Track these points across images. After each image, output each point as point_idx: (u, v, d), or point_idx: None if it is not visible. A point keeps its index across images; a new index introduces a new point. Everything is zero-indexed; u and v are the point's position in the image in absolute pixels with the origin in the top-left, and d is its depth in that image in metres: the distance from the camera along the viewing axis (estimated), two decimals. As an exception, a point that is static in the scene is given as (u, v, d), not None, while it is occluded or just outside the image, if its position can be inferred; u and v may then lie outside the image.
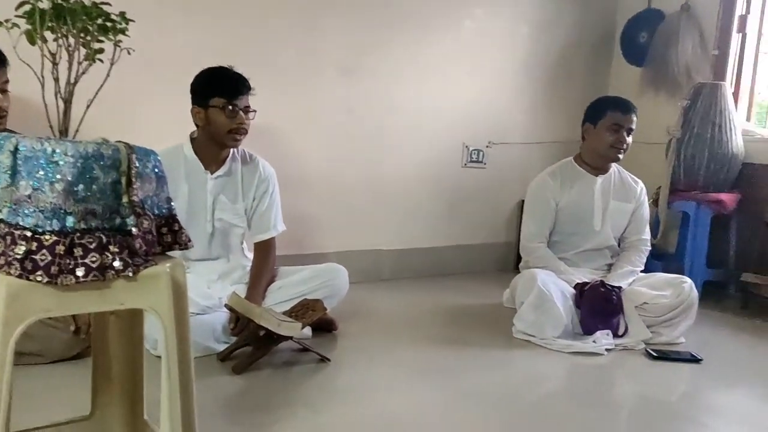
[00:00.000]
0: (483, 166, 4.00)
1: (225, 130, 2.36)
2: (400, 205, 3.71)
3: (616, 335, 2.68)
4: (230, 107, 2.33)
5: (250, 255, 2.59)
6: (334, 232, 3.49)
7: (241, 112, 2.35)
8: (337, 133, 3.44)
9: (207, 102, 2.34)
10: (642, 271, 3.01)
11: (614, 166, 3.05)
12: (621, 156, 2.94)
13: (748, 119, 3.89)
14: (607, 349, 2.60)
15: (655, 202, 3.71)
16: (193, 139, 2.46)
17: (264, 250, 2.53)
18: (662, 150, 3.73)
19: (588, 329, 2.69)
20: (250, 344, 2.24)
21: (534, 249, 2.98)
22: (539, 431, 1.92)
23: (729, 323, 3.20)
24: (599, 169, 3.02)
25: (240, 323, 2.28)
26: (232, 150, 2.47)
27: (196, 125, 2.42)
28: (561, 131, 4.16)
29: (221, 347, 2.28)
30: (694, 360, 2.56)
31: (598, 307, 2.70)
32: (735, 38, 3.80)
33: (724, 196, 3.54)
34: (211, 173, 2.45)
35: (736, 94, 3.78)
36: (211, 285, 2.44)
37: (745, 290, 3.43)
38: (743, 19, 3.78)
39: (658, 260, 3.81)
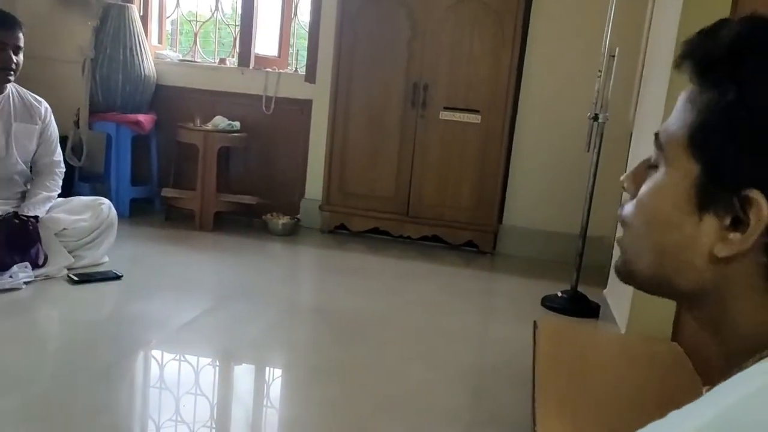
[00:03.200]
0: None
1: None
2: None
3: (36, 266, 2.58)
4: None
5: None
6: None
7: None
8: None
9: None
10: (63, 196, 2.93)
11: (12, 87, 2.78)
12: (12, 77, 2.69)
13: (159, 42, 4.11)
14: (25, 282, 2.49)
15: (76, 124, 3.64)
16: None
17: None
18: (79, 69, 3.64)
19: (4, 265, 2.51)
20: None
21: None
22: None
23: (154, 236, 3.44)
24: None
25: None
26: None
27: None
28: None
29: None
30: (116, 277, 2.68)
31: (12, 240, 2.54)
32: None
33: (142, 117, 3.70)
34: None
35: (145, 17, 3.92)
36: None
37: (167, 204, 3.73)
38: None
39: (86, 182, 3.80)
